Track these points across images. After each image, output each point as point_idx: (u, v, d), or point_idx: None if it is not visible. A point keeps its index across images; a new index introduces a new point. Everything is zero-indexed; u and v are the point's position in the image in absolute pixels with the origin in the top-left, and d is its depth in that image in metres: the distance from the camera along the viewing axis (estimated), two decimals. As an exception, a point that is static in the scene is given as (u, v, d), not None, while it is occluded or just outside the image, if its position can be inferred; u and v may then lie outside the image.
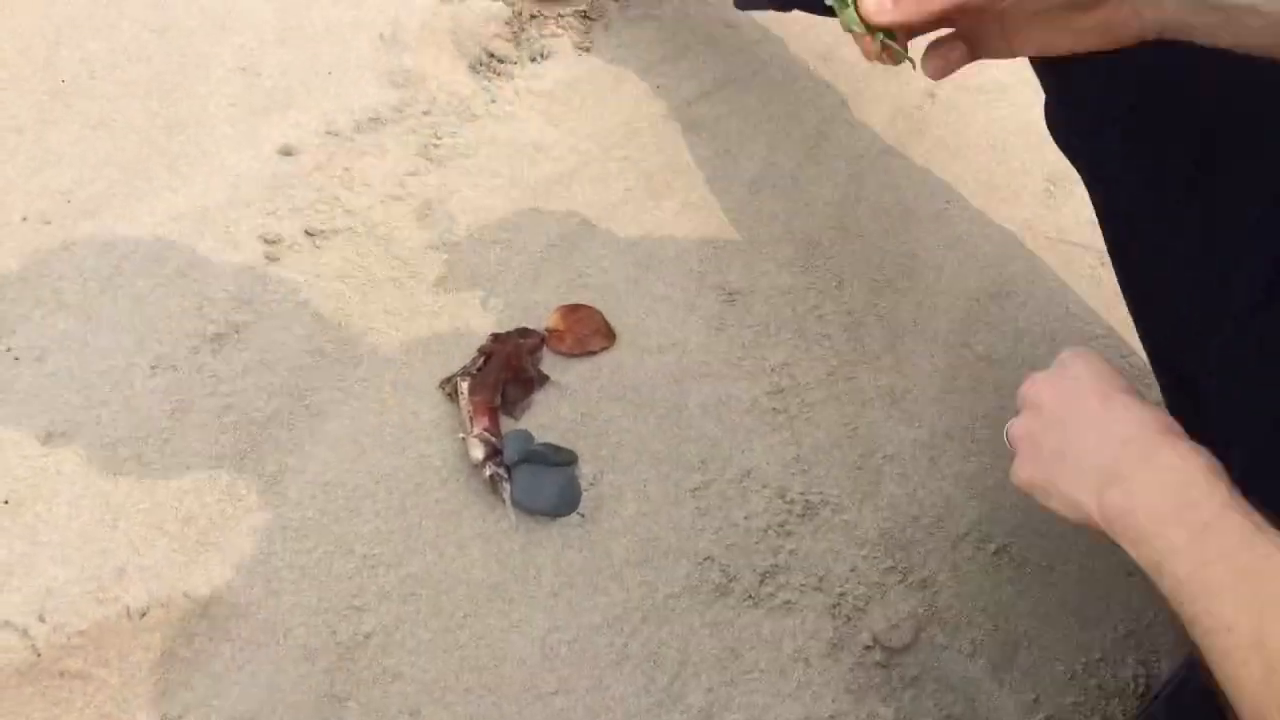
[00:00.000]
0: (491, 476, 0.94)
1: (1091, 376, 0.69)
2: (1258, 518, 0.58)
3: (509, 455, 0.95)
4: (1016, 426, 0.73)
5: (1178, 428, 0.65)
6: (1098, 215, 0.87)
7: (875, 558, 0.97)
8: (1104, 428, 0.65)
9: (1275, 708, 0.53)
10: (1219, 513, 0.58)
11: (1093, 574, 0.99)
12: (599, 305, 1.05)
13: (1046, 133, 0.91)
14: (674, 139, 1.19)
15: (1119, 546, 0.62)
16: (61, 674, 0.84)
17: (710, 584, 0.94)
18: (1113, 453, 0.64)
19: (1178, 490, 0.60)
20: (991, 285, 1.14)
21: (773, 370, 1.06)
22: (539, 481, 0.95)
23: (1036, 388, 0.72)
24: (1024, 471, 0.70)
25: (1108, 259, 0.89)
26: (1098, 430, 0.66)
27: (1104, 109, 0.81)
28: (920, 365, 1.09)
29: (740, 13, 1.31)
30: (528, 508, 0.94)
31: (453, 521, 0.94)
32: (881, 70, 1.29)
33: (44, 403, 0.94)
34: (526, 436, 0.97)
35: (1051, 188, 1.22)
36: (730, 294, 1.09)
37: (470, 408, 0.96)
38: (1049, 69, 0.92)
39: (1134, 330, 0.89)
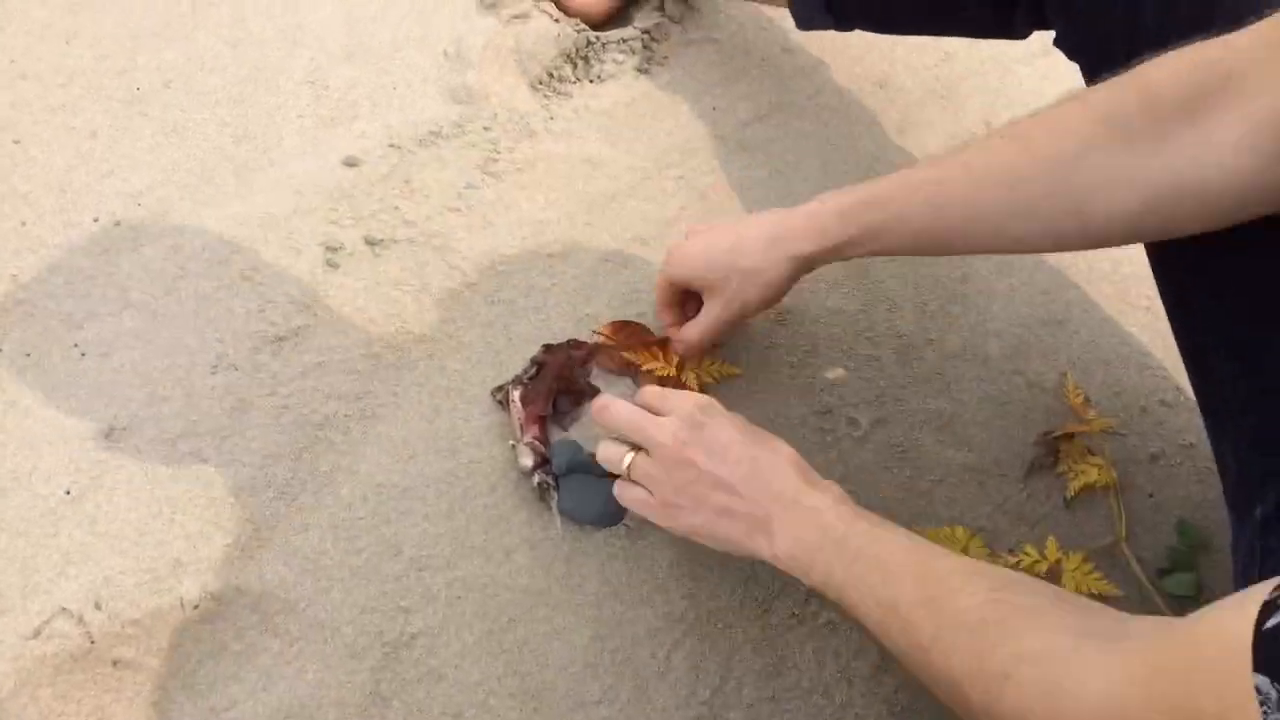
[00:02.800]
0: (540, 484, 0.95)
1: (731, 437, 0.82)
2: (875, 519, 0.76)
3: (557, 464, 0.96)
4: (645, 466, 0.85)
5: (810, 472, 0.81)
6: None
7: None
8: (756, 487, 0.79)
9: (915, 645, 0.67)
10: (850, 524, 0.75)
11: (1138, 603, 0.97)
12: (650, 321, 1.06)
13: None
14: (728, 159, 1.20)
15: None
16: (114, 662, 0.86)
17: (755, 600, 0.94)
18: (767, 508, 0.78)
19: (817, 522, 0.76)
20: (1044, 313, 1.14)
21: (821, 390, 1.06)
22: (586, 491, 0.95)
23: (684, 451, 0.82)
24: (685, 519, 0.83)
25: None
26: (751, 489, 0.79)
27: None
28: (970, 390, 1.08)
29: (797, 38, 1.32)
30: (574, 517, 0.95)
31: (500, 527, 0.95)
32: (937, 97, 1.30)
33: (108, 398, 0.96)
34: (575, 446, 0.97)
35: (1107, 218, 1.22)
36: (781, 314, 1.09)
37: (521, 416, 0.97)
38: None
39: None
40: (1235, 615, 0.47)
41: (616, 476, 0.96)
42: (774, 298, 0.92)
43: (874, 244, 0.85)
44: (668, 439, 0.83)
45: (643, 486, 0.86)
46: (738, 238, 0.91)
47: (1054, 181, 0.75)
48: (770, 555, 0.79)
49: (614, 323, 1.05)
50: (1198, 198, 0.70)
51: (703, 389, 1.01)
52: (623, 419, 0.87)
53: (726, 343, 1.04)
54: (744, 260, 0.90)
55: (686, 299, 1.00)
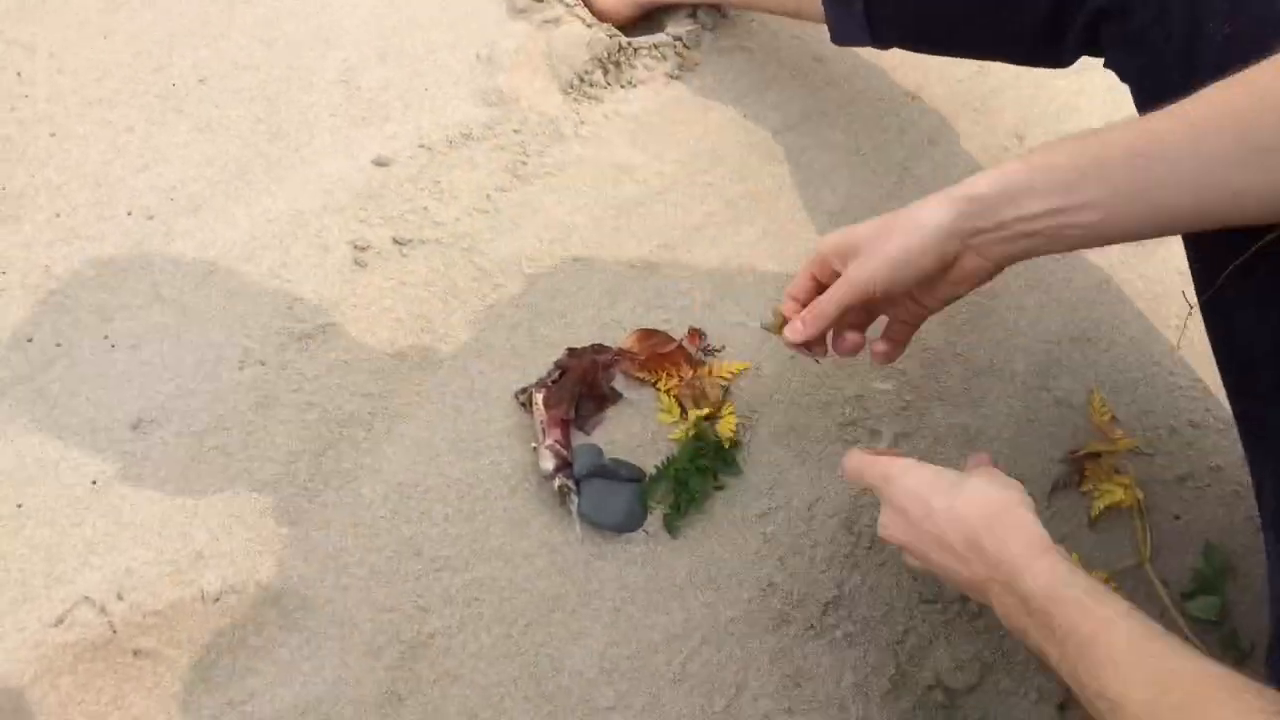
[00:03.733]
0: (560, 488, 0.95)
1: (910, 499, 0.76)
2: (1085, 582, 0.65)
3: (579, 468, 0.96)
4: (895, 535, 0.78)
5: (995, 502, 0.72)
6: (1187, 251, 0.85)
7: (943, 596, 0.96)
8: (949, 551, 0.72)
9: None
10: (1048, 597, 0.65)
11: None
12: (674, 327, 1.06)
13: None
14: (757, 167, 1.20)
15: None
16: (134, 652, 0.86)
17: (772, 610, 0.94)
18: (969, 571, 0.71)
19: (1011, 588, 0.67)
20: (1073, 329, 1.13)
21: (845, 401, 1.05)
22: (607, 496, 0.96)
23: (888, 530, 0.78)
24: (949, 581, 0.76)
25: (1196, 311, 0.86)
26: (946, 554, 0.73)
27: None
28: (996, 406, 1.07)
29: (829, 48, 1.31)
30: (594, 521, 0.95)
31: (520, 530, 0.95)
32: (970, 109, 1.29)
33: (136, 390, 0.97)
34: (597, 451, 0.98)
35: (1139, 235, 1.20)
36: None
37: (544, 419, 0.97)
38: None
39: (1218, 378, 0.86)
40: None
41: (637, 481, 0.97)
42: (921, 253, 0.76)
43: (1064, 198, 0.71)
44: (884, 522, 0.80)
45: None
46: (907, 207, 0.78)
47: None
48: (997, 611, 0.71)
49: (639, 331, 1.05)
50: None
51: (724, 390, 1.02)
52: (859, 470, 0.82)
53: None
54: (913, 213, 0.76)
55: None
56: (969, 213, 0.74)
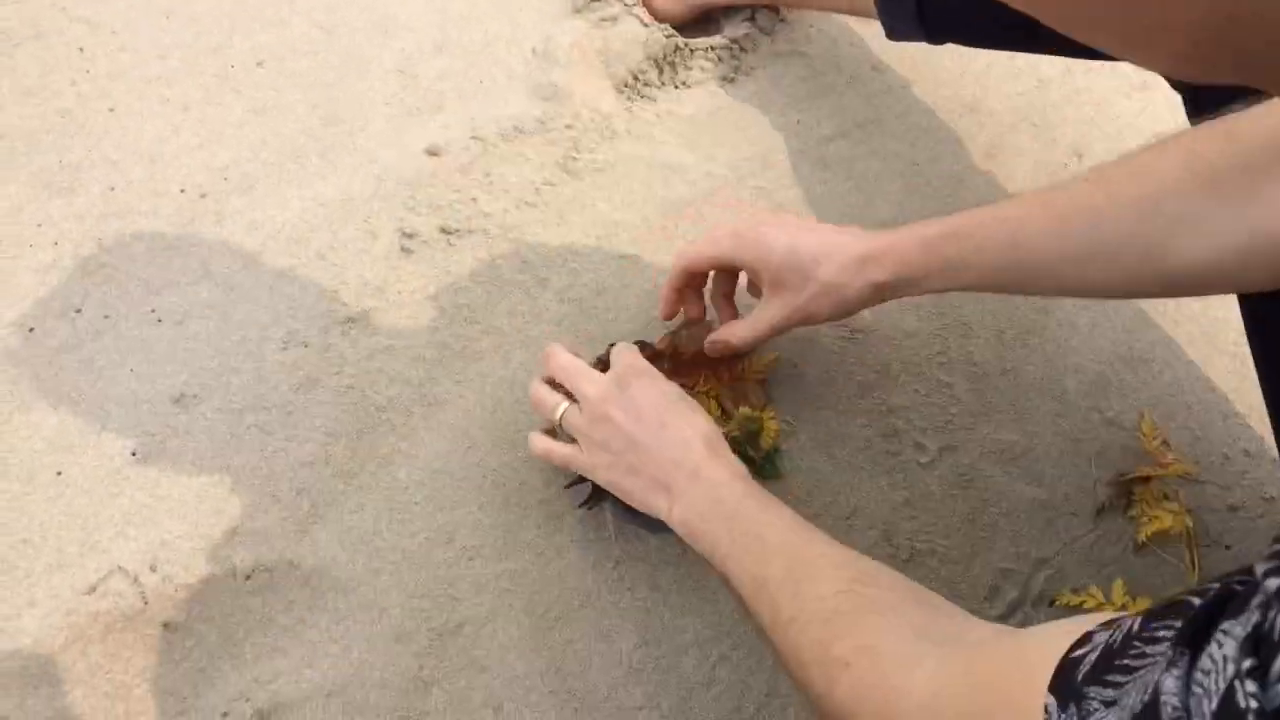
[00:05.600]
0: (595, 485, 0.94)
1: (650, 401, 0.85)
2: (767, 499, 0.78)
3: None
4: (574, 418, 0.88)
5: (719, 449, 0.83)
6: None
7: (982, 612, 0.94)
8: (663, 451, 0.82)
9: (775, 621, 0.68)
10: (740, 500, 0.78)
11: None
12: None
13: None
14: (809, 173, 1.19)
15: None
16: (164, 625, 0.86)
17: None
18: (670, 474, 0.82)
19: (712, 494, 0.79)
20: (1126, 350, 1.10)
21: (889, 412, 1.03)
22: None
23: (605, 406, 0.85)
24: (602, 473, 0.86)
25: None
26: (658, 452, 0.83)
27: None
28: (1044, 424, 1.05)
29: (887, 57, 1.30)
30: (629, 520, 0.94)
31: (554, 524, 0.94)
32: (1029, 124, 1.27)
33: (179, 364, 0.97)
34: None
35: (1198, 259, 1.18)
36: (852, 331, 1.07)
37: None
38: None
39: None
40: (1058, 636, 0.48)
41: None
42: (842, 317, 0.90)
43: (952, 279, 0.83)
44: (594, 393, 0.86)
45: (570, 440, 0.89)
46: (826, 244, 0.87)
47: (1135, 224, 0.73)
48: (667, 516, 0.82)
49: (669, 333, 1.03)
50: (1275, 249, 0.69)
51: (762, 385, 1.02)
52: (559, 367, 0.90)
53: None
54: (827, 271, 0.87)
55: (695, 287, 0.98)
56: (879, 296, 0.87)
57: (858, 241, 0.86)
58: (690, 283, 0.97)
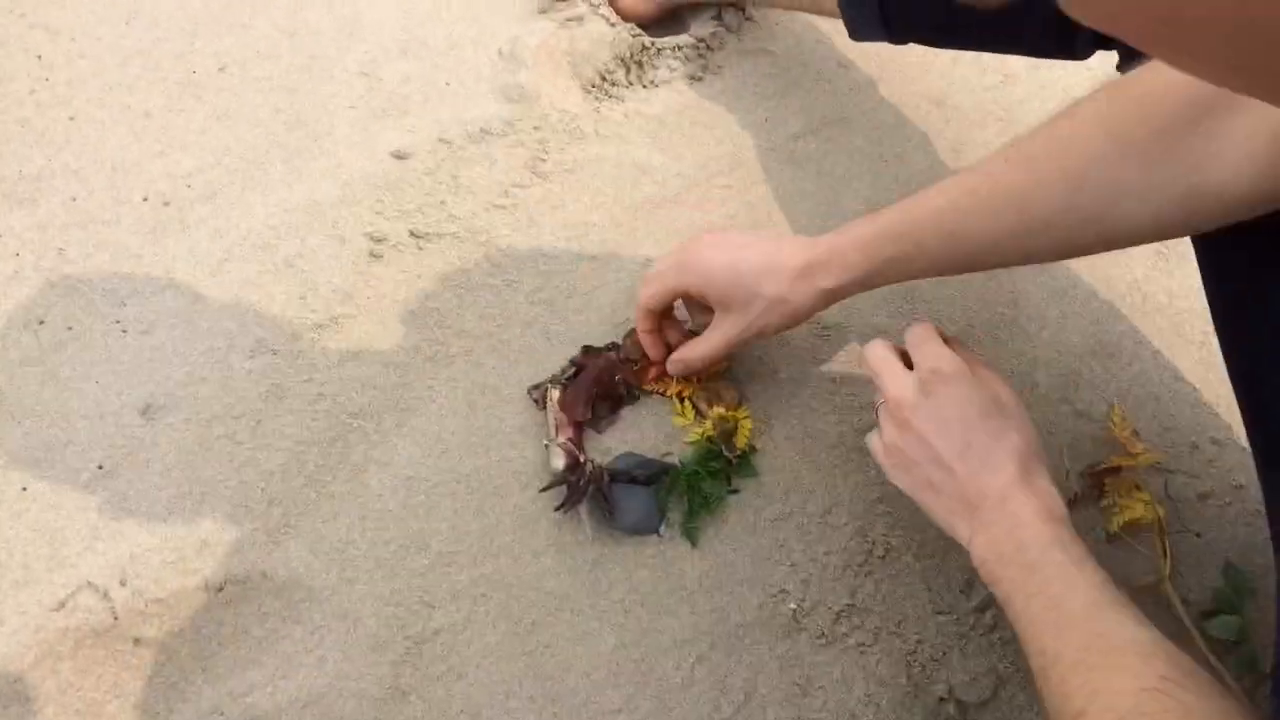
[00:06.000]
0: (571, 487, 0.93)
1: (957, 412, 0.80)
2: (1079, 552, 0.71)
3: (620, 469, 0.95)
4: (880, 442, 0.85)
5: (1032, 469, 0.77)
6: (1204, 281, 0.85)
7: (958, 607, 0.94)
8: (968, 472, 0.77)
9: (1062, 710, 0.62)
10: (1045, 550, 0.71)
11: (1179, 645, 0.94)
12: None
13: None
14: (778, 171, 1.19)
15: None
16: (135, 640, 0.85)
17: (783, 617, 0.92)
18: (974, 498, 0.76)
19: (1013, 534, 0.73)
20: (1095, 343, 1.11)
21: (862, 408, 1.04)
22: (622, 499, 0.94)
23: (905, 412, 0.81)
24: (902, 482, 0.83)
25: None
26: (962, 473, 0.77)
27: None
28: (1015, 417, 1.06)
29: (853, 54, 1.30)
30: (606, 523, 0.94)
31: (529, 528, 0.93)
32: (994, 119, 1.28)
33: (146, 375, 0.96)
34: (624, 457, 0.96)
35: (1164, 250, 1.19)
36: (825, 328, 1.07)
37: (559, 416, 0.96)
38: None
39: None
40: None
41: (653, 483, 0.95)
42: (792, 326, 0.90)
43: (897, 274, 0.85)
44: (896, 395, 0.83)
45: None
46: (766, 258, 0.87)
47: (1065, 199, 0.74)
48: (968, 545, 0.77)
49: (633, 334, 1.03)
50: (1217, 199, 0.70)
51: (735, 384, 1.01)
52: (870, 362, 0.87)
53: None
54: (771, 286, 0.87)
55: (666, 318, 0.98)
56: (828, 301, 0.87)
57: (799, 252, 0.86)
58: (658, 320, 0.97)
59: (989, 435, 0.79)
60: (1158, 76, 0.70)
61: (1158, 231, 0.75)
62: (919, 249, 0.82)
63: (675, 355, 0.96)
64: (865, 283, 0.85)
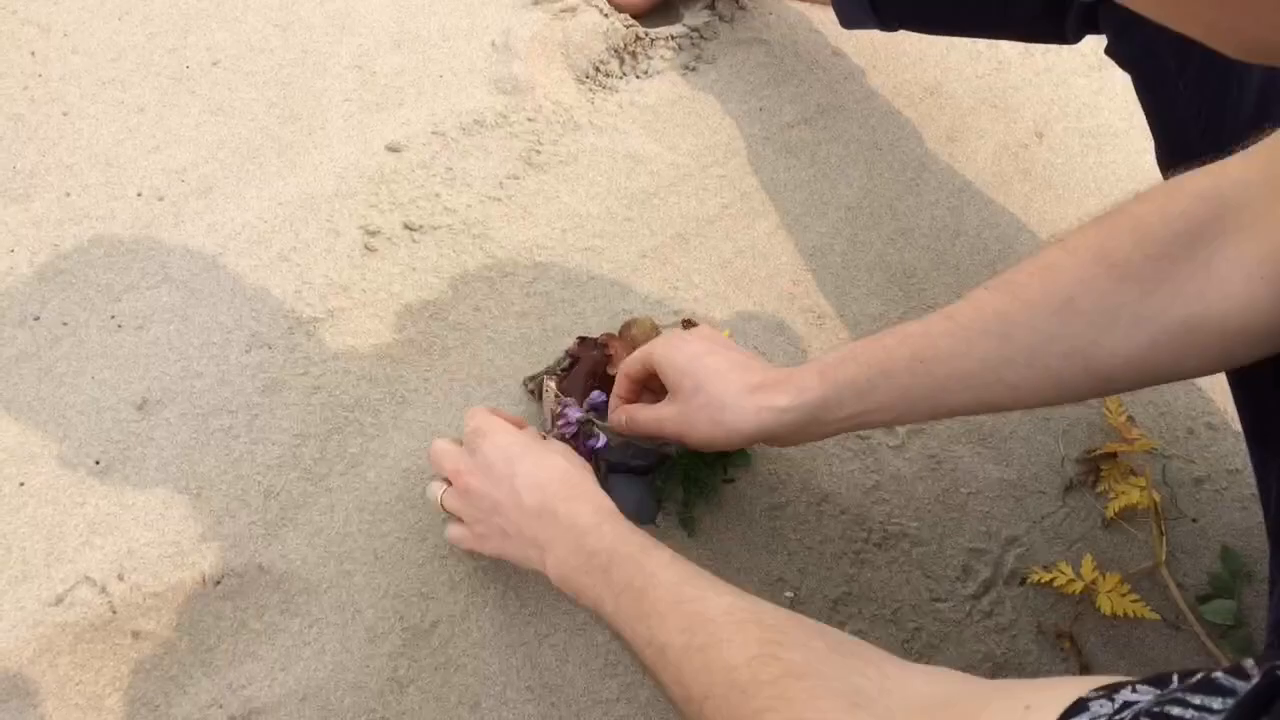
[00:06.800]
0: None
1: (499, 455, 0.80)
2: (640, 540, 0.71)
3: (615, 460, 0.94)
4: (450, 500, 0.84)
5: (576, 480, 0.78)
6: None
7: (954, 594, 0.94)
8: (520, 504, 0.77)
9: (686, 699, 0.61)
10: (612, 548, 0.70)
11: (1175, 629, 0.94)
12: (687, 317, 1.05)
13: (1156, 179, 0.88)
14: (773, 160, 1.19)
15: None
16: (134, 634, 0.85)
17: (780, 605, 0.92)
18: (534, 527, 0.76)
19: (578, 543, 0.72)
20: (1090, 329, 1.11)
21: (858, 396, 1.04)
22: (618, 489, 0.94)
23: (464, 478, 0.81)
24: (489, 546, 0.82)
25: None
26: (516, 507, 0.77)
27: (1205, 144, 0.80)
28: (1011, 404, 1.06)
29: (847, 42, 1.30)
30: (602, 512, 0.94)
31: (526, 519, 0.93)
32: (988, 106, 1.28)
33: (142, 370, 0.96)
34: (621, 448, 0.96)
35: (1159, 236, 1.19)
36: (819, 316, 1.08)
37: (554, 406, 0.96)
38: (1156, 115, 0.90)
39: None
40: (1013, 698, 0.45)
41: (650, 473, 0.95)
42: (727, 445, 0.82)
43: (859, 404, 0.76)
44: (451, 468, 0.83)
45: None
46: (731, 366, 0.81)
47: (1051, 325, 0.70)
48: (547, 573, 0.76)
49: (619, 333, 1.02)
50: (1215, 332, 0.66)
51: None
52: (433, 454, 0.86)
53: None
54: (717, 387, 0.80)
55: (647, 387, 0.91)
56: (774, 425, 0.78)
57: (763, 370, 0.81)
58: (638, 389, 0.91)
59: (528, 463, 0.79)
60: (1150, 206, 0.68)
61: (1149, 370, 0.70)
62: (883, 376, 0.75)
63: (620, 410, 0.90)
64: (820, 410, 0.77)
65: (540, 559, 0.76)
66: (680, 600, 0.65)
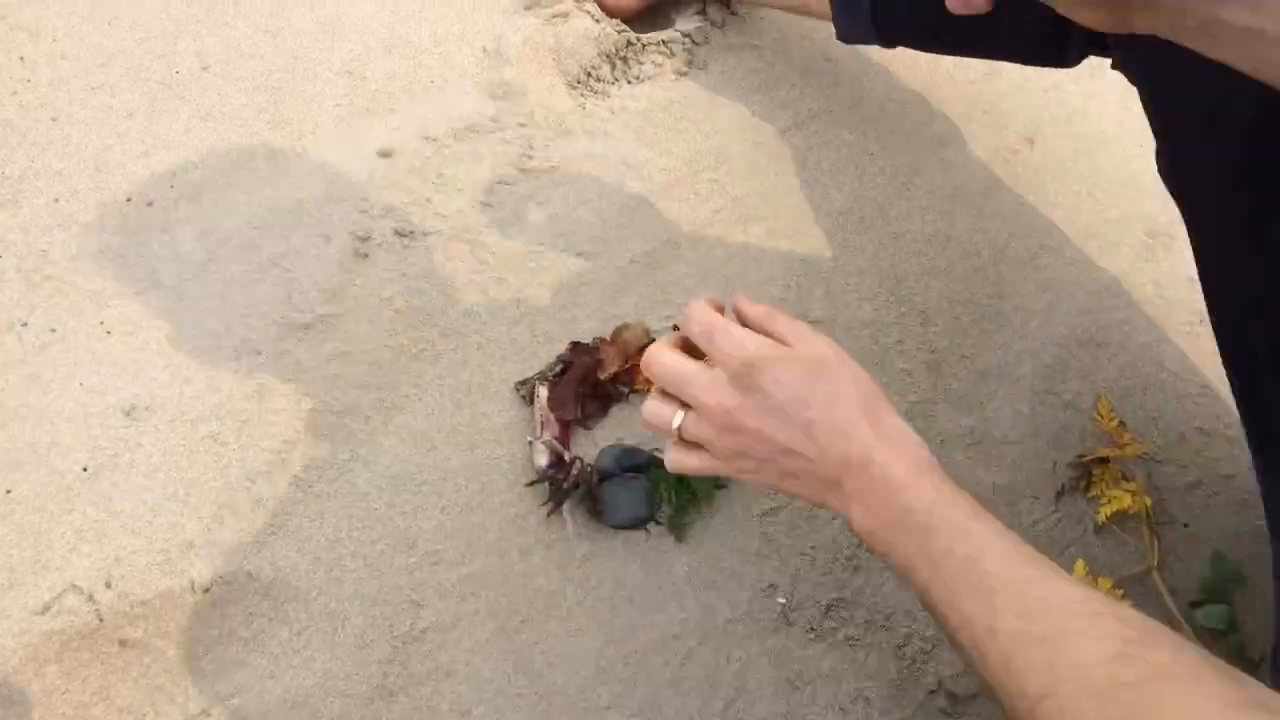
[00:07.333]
0: (555, 485, 0.93)
1: (787, 394, 0.67)
2: (968, 504, 0.63)
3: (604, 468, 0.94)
4: (703, 431, 0.70)
5: (880, 417, 0.67)
6: (1197, 263, 0.84)
7: (945, 600, 0.94)
8: (824, 457, 0.66)
9: (1016, 694, 0.54)
10: (932, 509, 0.62)
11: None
12: (654, 318, 1.04)
13: (1148, 185, 0.89)
14: (764, 166, 1.19)
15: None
16: (121, 642, 0.85)
17: (772, 612, 0.92)
18: (835, 473, 0.66)
19: (891, 499, 0.63)
20: (1082, 333, 1.11)
21: (850, 402, 1.03)
22: (614, 493, 0.94)
23: (733, 416, 0.68)
24: (753, 479, 0.70)
25: (1206, 317, 0.85)
26: (815, 454, 0.66)
27: (1211, 150, 0.79)
28: (1003, 409, 1.06)
29: (839, 48, 1.30)
30: (593, 519, 0.93)
31: (516, 525, 0.93)
32: (980, 111, 1.28)
33: (130, 376, 0.96)
34: (614, 454, 0.96)
35: (1150, 241, 1.19)
36: (812, 322, 1.07)
37: (545, 413, 0.95)
38: (1159, 112, 0.90)
39: (1229, 389, 0.85)
40: None
41: (641, 473, 0.95)
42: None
43: None
44: (714, 403, 0.69)
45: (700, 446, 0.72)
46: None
47: None
48: (850, 522, 0.67)
49: (610, 338, 1.02)
50: None
51: None
52: (667, 374, 0.71)
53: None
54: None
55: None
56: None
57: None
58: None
59: (826, 404, 0.67)
60: None
61: None
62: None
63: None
64: None
65: (841, 504, 0.67)
66: (1016, 579, 0.58)
